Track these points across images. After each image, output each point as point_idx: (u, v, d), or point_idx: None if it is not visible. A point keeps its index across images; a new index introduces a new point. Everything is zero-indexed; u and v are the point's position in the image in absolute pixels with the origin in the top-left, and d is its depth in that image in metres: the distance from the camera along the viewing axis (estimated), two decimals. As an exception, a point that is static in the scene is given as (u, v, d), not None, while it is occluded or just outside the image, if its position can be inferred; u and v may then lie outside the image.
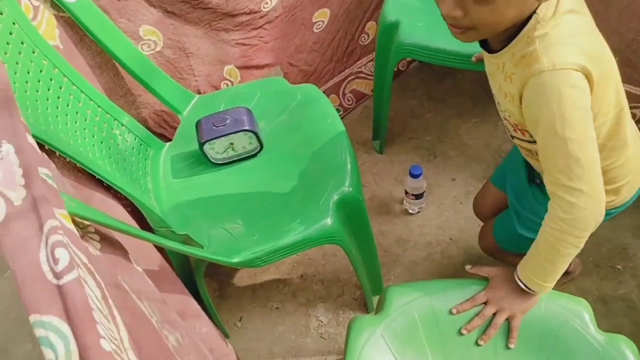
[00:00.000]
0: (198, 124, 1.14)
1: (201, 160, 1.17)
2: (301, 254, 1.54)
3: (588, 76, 0.68)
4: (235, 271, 1.54)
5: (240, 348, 1.37)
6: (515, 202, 1.05)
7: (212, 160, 1.16)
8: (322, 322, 1.41)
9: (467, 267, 0.94)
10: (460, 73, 1.89)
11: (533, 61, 0.67)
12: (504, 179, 1.13)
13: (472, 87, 1.86)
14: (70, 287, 0.43)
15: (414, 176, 1.44)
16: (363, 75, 1.85)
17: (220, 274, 1.54)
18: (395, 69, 1.92)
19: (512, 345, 0.86)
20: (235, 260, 0.99)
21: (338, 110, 1.85)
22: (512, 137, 0.89)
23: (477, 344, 0.87)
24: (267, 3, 1.34)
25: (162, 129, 1.33)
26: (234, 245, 1.03)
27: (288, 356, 1.36)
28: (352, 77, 1.83)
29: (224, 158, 1.16)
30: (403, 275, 1.46)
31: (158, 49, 1.23)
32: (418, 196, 1.50)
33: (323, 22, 1.58)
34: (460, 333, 0.88)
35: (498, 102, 0.86)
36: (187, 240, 1.04)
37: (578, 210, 0.72)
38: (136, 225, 0.97)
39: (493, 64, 0.80)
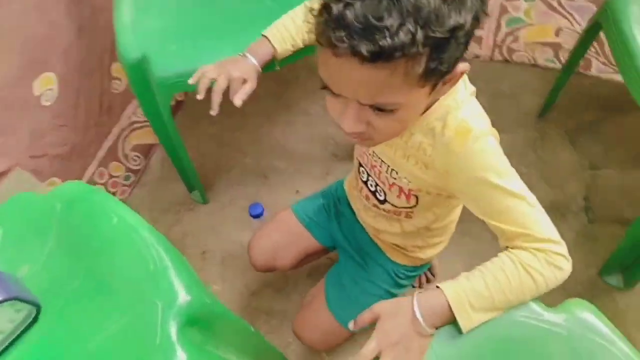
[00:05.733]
0: None
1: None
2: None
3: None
4: None
5: None
6: (358, 257, 0.99)
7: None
8: None
9: (350, 326, 0.71)
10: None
11: (465, 130, 0.66)
12: (323, 232, 1.05)
13: (265, 88, 1.63)
14: None
15: (257, 216, 1.16)
16: (138, 124, 1.49)
17: None
18: (174, 103, 1.61)
19: None
20: None
21: (128, 177, 1.48)
22: (381, 202, 0.86)
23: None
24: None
25: None
26: None
27: None
28: (126, 132, 1.46)
29: (-14, 351, 0.75)
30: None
31: None
32: (272, 234, 1.23)
33: (52, 89, 1.18)
34: None
35: (392, 170, 0.78)
36: None
37: (566, 259, 0.67)
38: None
39: None
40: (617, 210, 1.24)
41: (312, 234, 1.04)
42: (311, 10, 0.56)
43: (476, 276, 0.66)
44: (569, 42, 1.43)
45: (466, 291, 0.65)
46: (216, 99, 0.82)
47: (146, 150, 1.54)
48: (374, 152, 0.80)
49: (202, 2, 1.17)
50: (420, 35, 0.49)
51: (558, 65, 1.49)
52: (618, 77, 1.45)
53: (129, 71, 1.11)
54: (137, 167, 1.51)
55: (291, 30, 0.89)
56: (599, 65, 1.45)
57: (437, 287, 0.67)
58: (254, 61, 0.86)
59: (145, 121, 1.50)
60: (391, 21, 0.48)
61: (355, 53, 0.50)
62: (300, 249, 1.04)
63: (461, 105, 0.67)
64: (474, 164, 0.66)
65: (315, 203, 1.07)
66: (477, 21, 0.55)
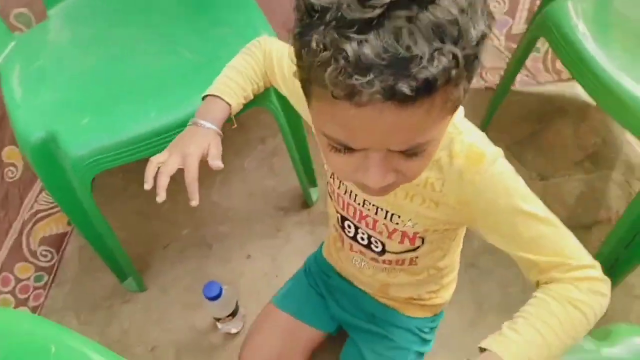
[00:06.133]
0: None
1: None
2: None
3: None
4: None
5: None
6: (375, 327, 0.87)
7: None
8: None
9: None
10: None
11: (477, 155, 0.59)
12: (322, 316, 0.92)
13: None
14: None
15: (215, 298, 0.99)
16: (43, 212, 1.26)
17: None
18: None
19: None
20: None
21: (41, 278, 1.24)
22: (379, 253, 0.75)
23: None
24: None
25: None
26: None
27: None
28: (30, 224, 1.23)
29: None
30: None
31: None
32: (234, 312, 1.06)
33: None
34: None
35: (393, 215, 0.68)
36: None
37: (606, 283, 0.60)
38: None
39: None
40: (576, 216, 1.24)
41: (309, 324, 0.90)
42: (296, 62, 0.45)
43: (523, 325, 0.57)
44: (490, 59, 1.46)
45: (520, 346, 0.56)
46: (161, 182, 0.67)
47: (58, 242, 1.30)
48: (364, 200, 0.70)
49: (108, 63, 1.01)
50: (459, 53, 0.40)
51: (482, 84, 1.51)
52: (541, 88, 1.50)
53: (31, 154, 0.92)
54: (50, 263, 1.26)
55: (239, 81, 0.77)
56: (523, 78, 1.49)
57: (484, 349, 0.57)
58: (210, 125, 0.73)
59: (51, 208, 1.28)
60: (421, 47, 0.39)
61: (390, 96, 0.39)
62: (304, 347, 0.90)
63: (462, 130, 0.60)
64: (496, 189, 0.59)
65: (300, 287, 0.93)
66: (489, 27, 0.48)
